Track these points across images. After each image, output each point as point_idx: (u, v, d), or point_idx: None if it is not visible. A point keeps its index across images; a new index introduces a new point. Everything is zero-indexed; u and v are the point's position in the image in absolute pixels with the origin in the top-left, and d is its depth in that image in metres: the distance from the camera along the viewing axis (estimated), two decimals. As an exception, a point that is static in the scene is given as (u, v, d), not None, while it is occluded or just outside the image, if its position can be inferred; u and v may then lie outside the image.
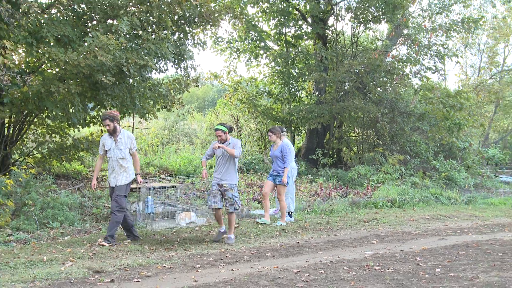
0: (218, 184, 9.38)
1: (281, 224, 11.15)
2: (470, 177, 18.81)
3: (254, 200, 14.04)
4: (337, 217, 12.46)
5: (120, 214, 9.02)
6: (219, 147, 9.17)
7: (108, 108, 12.65)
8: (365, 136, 21.09)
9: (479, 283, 6.71)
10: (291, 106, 20.62)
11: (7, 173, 11.64)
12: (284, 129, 12.43)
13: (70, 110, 11.56)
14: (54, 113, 11.48)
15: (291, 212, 12.03)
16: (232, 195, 9.31)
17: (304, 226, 11.16)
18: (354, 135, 21.78)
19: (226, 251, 8.58)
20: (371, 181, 16.80)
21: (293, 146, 21.04)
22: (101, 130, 14.16)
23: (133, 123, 18.44)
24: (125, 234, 9.47)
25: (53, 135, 13.48)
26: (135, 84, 12.13)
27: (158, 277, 6.87)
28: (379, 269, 7.43)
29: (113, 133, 9.08)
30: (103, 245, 8.70)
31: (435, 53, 20.98)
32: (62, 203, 11.01)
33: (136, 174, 9.42)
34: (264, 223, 11.16)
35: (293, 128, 20.86)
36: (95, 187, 9.42)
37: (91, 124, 13.37)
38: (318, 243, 9.42)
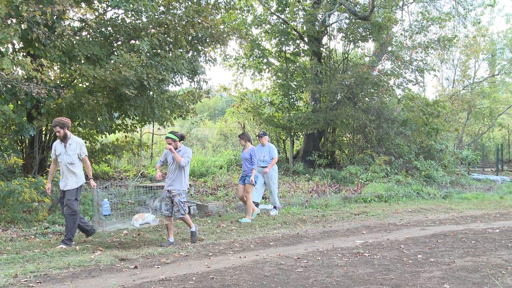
0: (167, 190, 8.50)
1: (245, 221, 10.61)
2: (446, 175, 18.74)
3: (259, 196, 14.01)
4: (332, 210, 12.43)
5: (73, 217, 8.17)
6: (170, 149, 8.36)
7: (131, 117, 12.68)
8: (355, 140, 21.03)
9: (455, 267, 6.68)
10: (291, 114, 20.58)
11: (44, 174, 11.66)
12: (267, 133, 12.40)
13: (98, 119, 11.58)
14: (84, 121, 11.51)
15: (275, 206, 11.94)
16: (179, 201, 8.37)
17: (303, 218, 11.13)
18: (345, 139, 21.72)
19: (235, 241, 8.56)
20: (360, 179, 16.76)
21: (292, 148, 21.11)
22: (125, 136, 14.15)
23: (153, 129, 18.46)
24: (85, 235, 8.64)
25: (84, 140, 13.49)
26: (154, 96, 12.15)
27: (175, 264, 6.86)
28: (368, 255, 7.41)
29: (63, 139, 8.28)
30: (62, 248, 7.90)
31: (416, 68, 20.92)
32: (91, 200, 11.00)
33: (89, 179, 8.57)
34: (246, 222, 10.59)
35: (292, 133, 20.81)
36: (49, 191, 8.60)
37: (116, 131, 13.37)
38: (315, 234, 9.39)
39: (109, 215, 9.42)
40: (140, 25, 12.00)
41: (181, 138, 8.64)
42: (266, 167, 11.67)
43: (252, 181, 10.76)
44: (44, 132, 12.55)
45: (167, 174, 8.67)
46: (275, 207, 11.91)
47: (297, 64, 21.57)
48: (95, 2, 11.70)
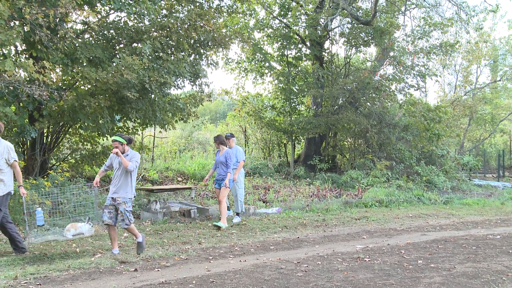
0: (112, 197, 7.69)
1: (221, 225, 10.11)
2: (447, 180, 18.73)
3: (260, 200, 14.01)
4: (332, 215, 12.41)
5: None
6: (116, 153, 7.64)
7: (133, 120, 12.69)
8: (356, 145, 21.02)
9: (456, 273, 6.67)
10: (292, 118, 20.61)
11: (45, 176, 11.66)
12: (234, 135, 11.82)
13: (100, 121, 11.59)
14: (86, 124, 11.52)
15: (238, 213, 11.33)
16: (124, 210, 7.59)
17: (303, 223, 11.11)
18: (347, 143, 21.73)
19: (235, 245, 8.55)
20: (361, 184, 16.75)
21: (293, 152, 21.11)
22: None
23: (154, 132, 18.48)
24: (12, 247, 7.75)
25: (85, 143, 13.51)
26: (156, 99, 12.15)
27: (176, 267, 6.85)
28: (369, 260, 7.40)
29: None
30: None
31: (417, 73, 20.96)
32: (92, 202, 11.01)
33: (18, 186, 7.89)
34: (224, 226, 10.12)
35: (293, 137, 20.84)
36: None
37: (118, 134, 13.38)
38: (315, 238, 9.38)
39: (43, 225, 8.73)
40: (143, 28, 12.02)
41: (129, 141, 7.98)
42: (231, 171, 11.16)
43: (226, 185, 10.35)
44: (46, 135, 12.56)
45: (112, 180, 7.91)
46: (237, 214, 11.31)
47: (299, 68, 21.63)
48: (98, 5, 11.72)
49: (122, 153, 7.78)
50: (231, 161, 10.54)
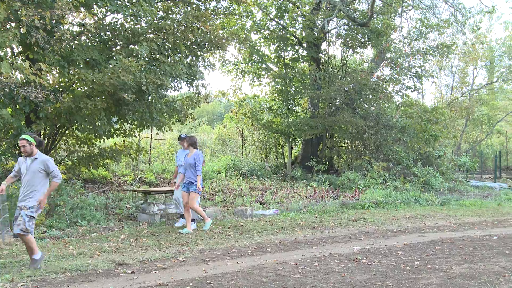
0: (19, 207, 6.86)
1: (206, 228, 10.08)
2: (444, 181, 18.74)
3: (257, 202, 14.01)
4: (329, 216, 12.42)
5: None
6: (39, 204, 6.82)
7: (130, 122, 12.67)
8: (353, 146, 21.04)
9: (453, 274, 6.68)
10: (289, 120, 20.60)
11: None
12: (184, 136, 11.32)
13: (97, 123, 11.57)
14: (82, 126, 11.50)
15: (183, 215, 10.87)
16: (24, 214, 6.72)
17: (301, 224, 11.12)
18: (344, 145, 21.74)
19: (232, 247, 8.56)
20: (358, 185, 16.76)
21: (291, 154, 21.11)
22: (124, 140, 14.14)
23: (151, 134, 18.45)
24: None
25: (82, 145, 13.48)
26: (153, 101, 12.14)
27: (173, 269, 6.85)
28: (366, 262, 7.40)
29: None
30: None
31: (414, 74, 20.98)
32: (89, 204, 11.00)
33: None
34: (187, 233, 9.80)
35: (290, 139, 20.83)
36: None
37: (115, 136, 13.36)
38: (312, 240, 9.38)
39: None
40: (139, 30, 12.02)
41: (39, 143, 7.09)
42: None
43: (199, 189, 10.08)
44: (42, 137, 12.53)
45: (21, 187, 7.02)
46: (182, 217, 10.94)
47: (296, 70, 21.62)
48: (94, 7, 11.70)
49: (30, 154, 6.95)
50: (200, 163, 10.26)
